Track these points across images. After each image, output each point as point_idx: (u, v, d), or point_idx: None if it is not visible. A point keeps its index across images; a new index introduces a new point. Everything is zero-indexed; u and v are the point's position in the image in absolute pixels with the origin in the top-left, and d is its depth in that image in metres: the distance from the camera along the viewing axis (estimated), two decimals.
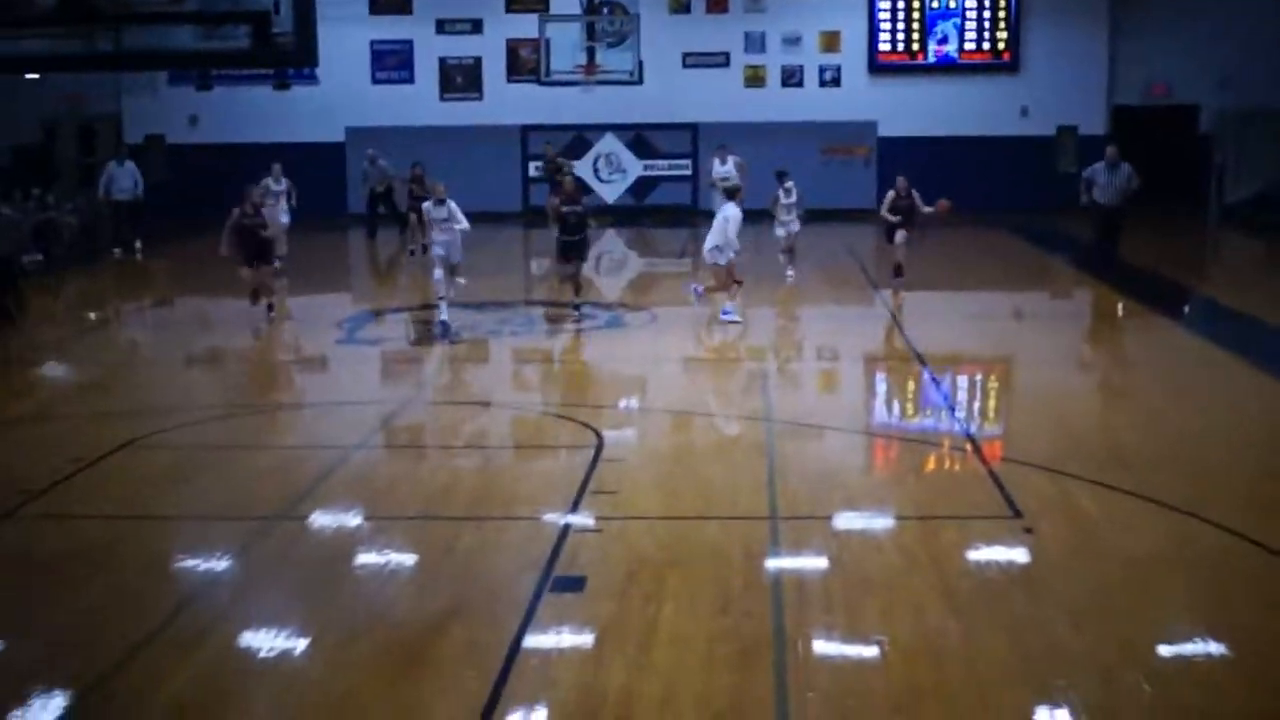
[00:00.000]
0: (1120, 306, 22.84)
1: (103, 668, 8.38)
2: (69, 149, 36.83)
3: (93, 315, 14.95)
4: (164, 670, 8.35)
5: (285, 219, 26.99)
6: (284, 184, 27.77)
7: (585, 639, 8.74)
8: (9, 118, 35.78)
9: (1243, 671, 8.21)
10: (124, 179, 30.01)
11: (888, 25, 35.05)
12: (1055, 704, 7.63)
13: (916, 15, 34.94)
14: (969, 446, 13.47)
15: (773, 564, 10.00)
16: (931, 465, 13.08)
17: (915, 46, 35.12)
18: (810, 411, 15.14)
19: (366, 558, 10.27)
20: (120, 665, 8.44)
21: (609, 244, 32.55)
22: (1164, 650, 8.45)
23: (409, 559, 10.36)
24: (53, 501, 11.84)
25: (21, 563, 10.32)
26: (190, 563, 10.33)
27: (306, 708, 7.91)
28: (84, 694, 8.07)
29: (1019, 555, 10.20)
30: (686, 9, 35.12)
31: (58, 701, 8.01)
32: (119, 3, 7.02)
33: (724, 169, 25.35)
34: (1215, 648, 8.46)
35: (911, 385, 16.86)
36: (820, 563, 10.00)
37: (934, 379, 16.62)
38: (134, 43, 6.88)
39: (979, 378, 17.68)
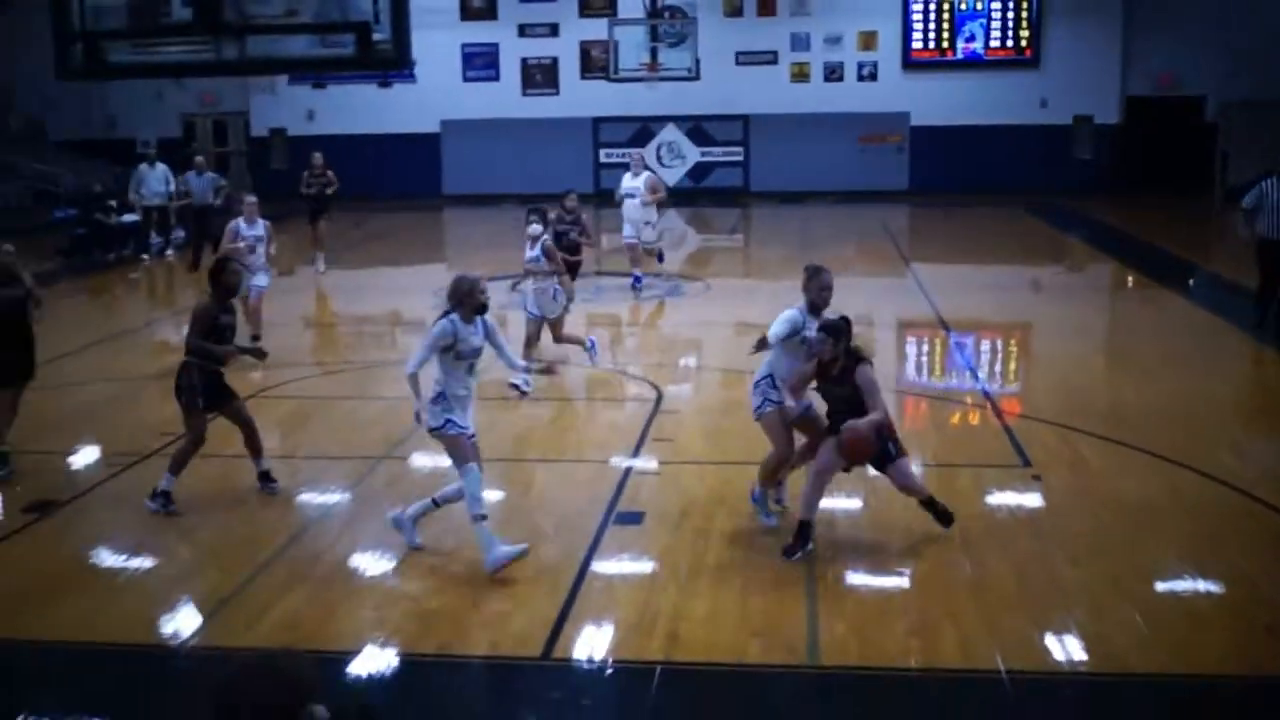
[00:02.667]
0: (1129, 280, 22.73)
1: (232, 586, 8.68)
2: (205, 141, 37.26)
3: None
4: (282, 588, 8.64)
5: (264, 280, 16.36)
6: (260, 227, 16.42)
7: (643, 566, 8.97)
8: (155, 114, 36.38)
9: (1225, 606, 8.32)
10: (155, 182, 26.11)
11: (920, 25, 34.82)
12: (1053, 631, 7.76)
13: (946, 16, 34.70)
14: (986, 403, 13.55)
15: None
16: (952, 419, 13.17)
17: (945, 44, 34.88)
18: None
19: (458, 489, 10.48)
20: (247, 582, 8.73)
21: (670, 222, 32.63)
22: (1154, 586, 8.55)
23: (494, 495, 10.55)
24: None
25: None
26: (305, 497, 10.63)
27: (403, 618, 8.18)
28: (217, 607, 8.38)
29: (1026, 500, 10.30)
30: (739, 12, 35.06)
31: (196, 612, 8.34)
32: (243, 15, 7.18)
33: (633, 183, 20.83)
34: (1201, 585, 8.55)
35: (937, 348, 16.93)
36: (848, 504, 10.16)
37: (957, 343, 16.67)
38: (256, 50, 7.04)
39: (997, 342, 17.72)
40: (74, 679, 7.62)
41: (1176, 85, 34.54)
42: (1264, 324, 15.79)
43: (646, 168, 21.48)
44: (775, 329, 9.41)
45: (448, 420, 8.78)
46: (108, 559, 9.43)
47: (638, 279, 20.64)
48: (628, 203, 20.72)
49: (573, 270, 17.40)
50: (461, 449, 8.79)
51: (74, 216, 27.53)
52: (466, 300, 8.92)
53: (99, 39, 7.20)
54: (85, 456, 12.01)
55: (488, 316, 9.11)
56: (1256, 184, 15.37)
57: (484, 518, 8.71)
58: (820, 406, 9.35)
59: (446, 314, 8.94)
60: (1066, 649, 7.57)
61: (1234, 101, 33.73)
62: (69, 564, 9.30)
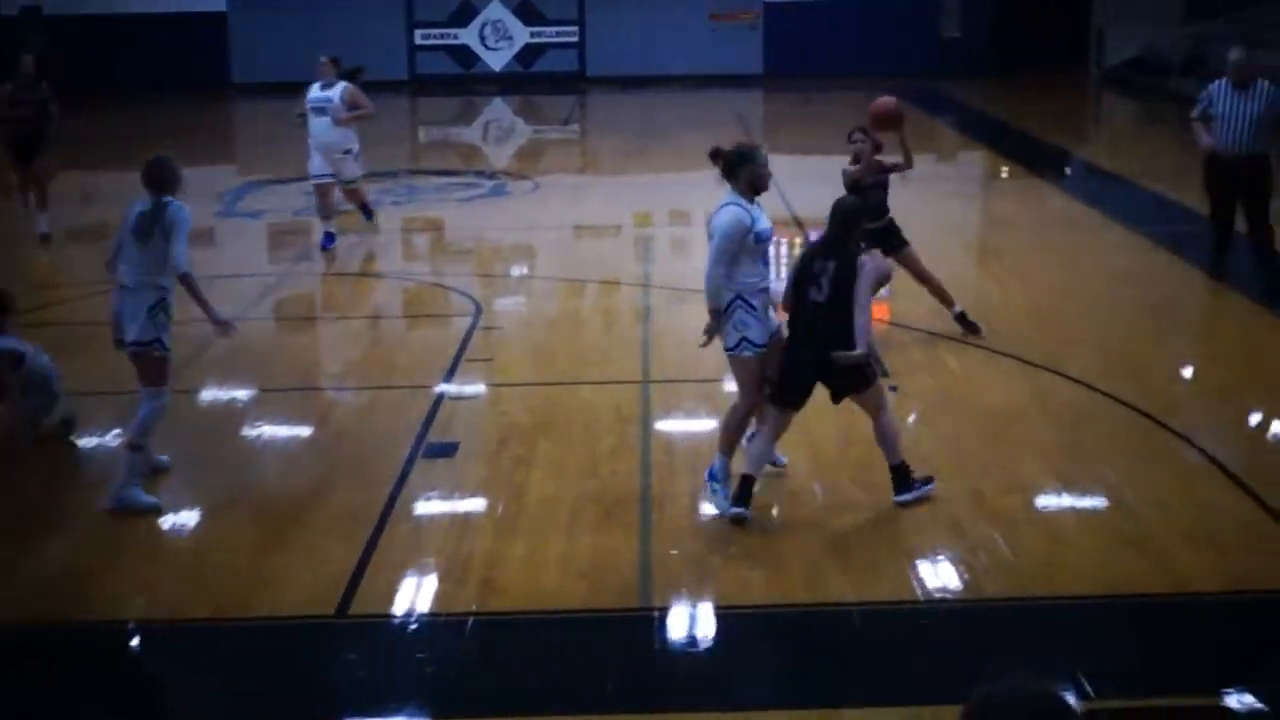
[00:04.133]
0: (1002, 170, 23.02)
1: None
2: None
3: None
4: (33, 548, 8.35)
5: None
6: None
7: (455, 504, 8.85)
8: None
9: (1089, 521, 8.47)
10: None
11: None
12: (910, 557, 7.83)
13: None
14: None
15: (641, 427, 10.11)
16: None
17: None
18: (690, 277, 15.06)
19: (244, 429, 10.27)
20: None
21: (495, 111, 32.30)
22: (1015, 501, 8.65)
23: (286, 430, 10.37)
24: None
25: None
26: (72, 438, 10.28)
27: (177, 574, 7.95)
28: None
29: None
30: None
31: None
32: None
33: (322, 95, 16.37)
34: (1065, 499, 8.70)
35: (793, 251, 16.93)
36: (688, 425, 10.15)
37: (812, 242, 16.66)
38: None
39: None
40: None
41: None
42: (1222, 272, 13.94)
43: (344, 76, 16.58)
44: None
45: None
46: None
47: (329, 237, 16.60)
48: (316, 122, 16.37)
49: (26, 143, 16.74)
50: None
51: None
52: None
53: None
54: None
55: None
56: (1204, 89, 14.79)
57: None
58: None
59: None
60: (923, 576, 7.62)
61: None
62: None
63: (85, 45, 34.07)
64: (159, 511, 8.57)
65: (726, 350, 8.46)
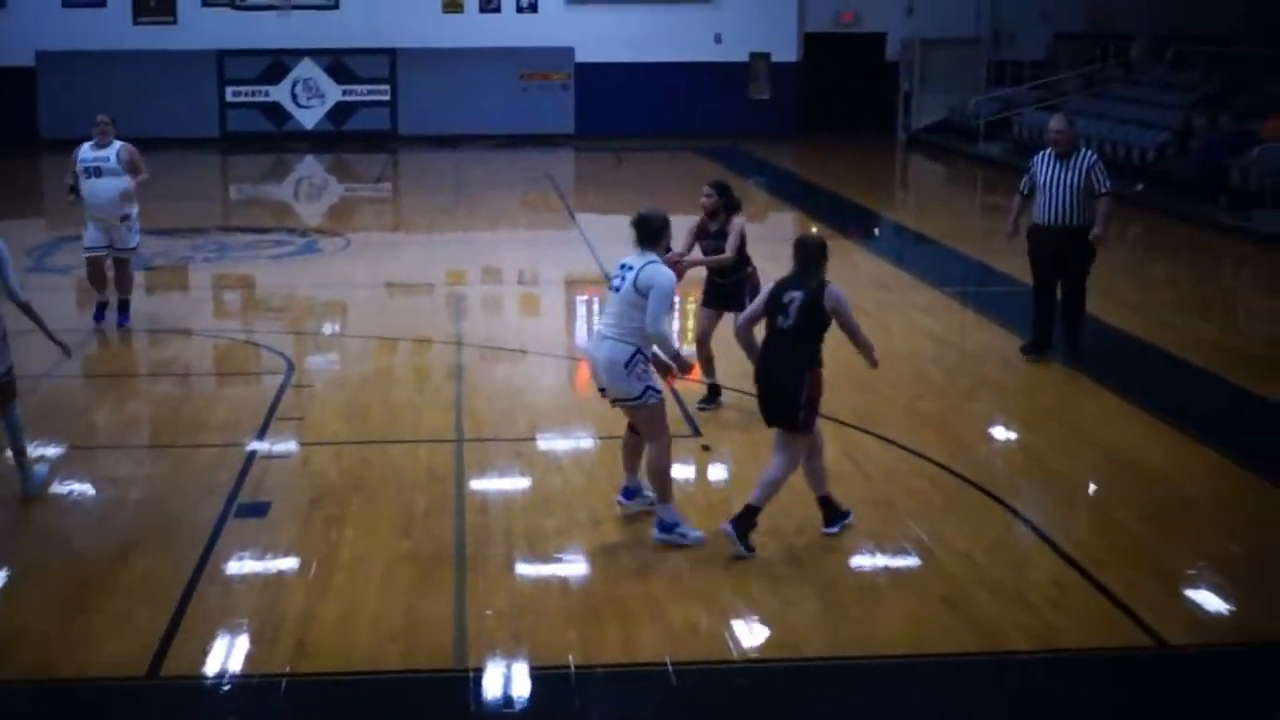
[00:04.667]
0: (811, 230, 23.37)
1: None
2: None
3: None
4: None
5: None
6: None
7: (267, 565, 8.68)
8: None
9: (902, 578, 8.56)
10: None
11: None
12: (726, 616, 7.84)
13: None
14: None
15: (455, 486, 10.04)
16: None
17: None
18: (503, 335, 15.15)
19: (51, 488, 9.93)
20: None
21: (308, 169, 32.02)
22: (830, 560, 8.74)
23: (92, 489, 10.11)
24: None
25: None
26: None
27: None
28: None
29: (693, 472, 10.46)
30: None
31: None
32: None
33: (99, 155, 14.62)
34: (879, 558, 8.79)
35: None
36: (502, 484, 10.10)
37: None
38: None
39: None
40: None
41: (857, 22, 35.80)
42: (1044, 342, 13.63)
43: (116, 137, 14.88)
44: (668, 295, 8.84)
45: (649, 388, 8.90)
46: None
47: (125, 314, 15.02)
48: (94, 185, 14.57)
49: None
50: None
51: None
52: (665, 237, 9.18)
53: None
54: None
55: None
56: (1030, 161, 14.45)
57: None
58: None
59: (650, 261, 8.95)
60: (740, 636, 7.65)
61: (914, 39, 35.25)
62: None
63: None
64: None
65: (633, 400, 8.82)
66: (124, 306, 14.96)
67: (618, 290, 8.90)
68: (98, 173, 14.58)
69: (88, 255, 14.91)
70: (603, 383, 8.96)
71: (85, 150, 14.73)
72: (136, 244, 15.21)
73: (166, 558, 8.70)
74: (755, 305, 9.24)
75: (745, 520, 8.69)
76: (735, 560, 8.58)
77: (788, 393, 8.66)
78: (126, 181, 14.65)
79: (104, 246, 14.75)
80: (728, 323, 10.89)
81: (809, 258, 8.90)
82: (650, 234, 9.02)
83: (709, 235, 11.89)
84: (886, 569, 8.69)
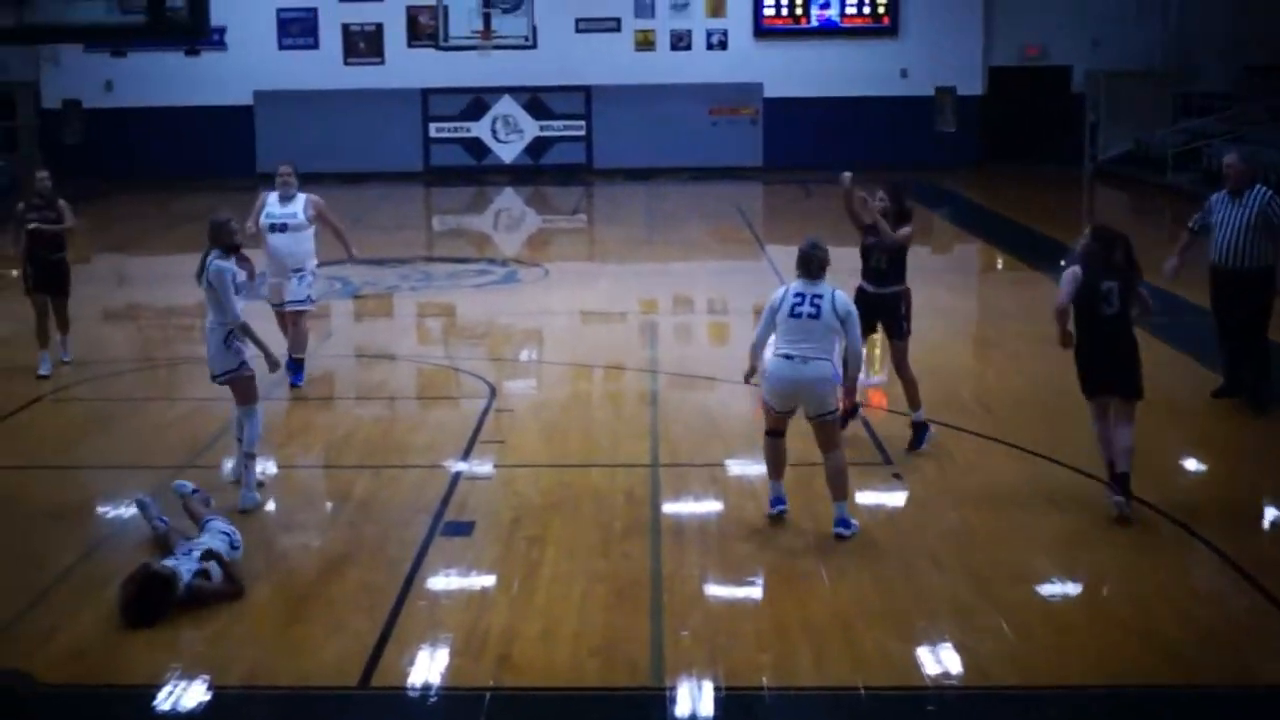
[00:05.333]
0: (997, 261, 23.06)
1: (11, 611, 8.33)
2: None
3: (13, 272, 14.59)
4: (68, 613, 8.31)
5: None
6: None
7: (471, 581, 8.80)
8: None
9: (1094, 609, 8.40)
10: None
11: None
12: (916, 642, 7.75)
13: None
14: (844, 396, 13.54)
15: (651, 509, 10.07)
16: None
17: (799, 11, 35.11)
18: (696, 363, 15.19)
19: (269, 504, 10.22)
20: (29, 607, 8.39)
21: (507, 201, 32.44)
22: (1020, 589, 8.58)
23: (309, 505, 10.36)
24: None
25: None
26: (98, 511, 10.27)
27: (205, 645, 7.91)
28: None
29: (887, 500, 10.34)
30: None
31: None
32: None
33: (285, 210, 13.66)
34: (1069, 587, 8.65)
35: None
36: (697, 507, 10.10)
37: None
38: (39, 16, 6.89)
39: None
40: None
41: (1042, 55, 35.25)
42: (1232, 391, 12.79)
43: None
44: (857, 330, 9.62)
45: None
46: None
47: (297, 374, 13.78)
48: (277, 240, 13.63)
49: (51, 276, 14.20)
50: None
51: None
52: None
53: None
54: None
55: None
56: (1204, 202, 13.17)
57: None
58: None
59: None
60: (929, 661, 7.55)
61: (1100, 71, 34.56)
62: None
63: (121, 135, 34.52)
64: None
65: (828, 414, 9.42)
66: (298, 366, 13.69)
67: (814, 317, 9.32)
68: (284, 228, 13.60)
69: (277, 310, 13.93)
70: (805, 401, 9.41)
71: (272, 203, 13.73)
72: (310, 299, 13.88)
73: (377, 572, 8.87)
74: (1066, 293, 10.01)
75: (1125, 485, 9.60)
76: (924, 584, 8.51)
77: (1133, 365, 9.76)
78: (311, 236, 13.81)
79: (280, 301, 13.83)
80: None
81: (1116, 246, 9.93)
82: (822, 267, 9.55)
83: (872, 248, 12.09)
84: (1077, 597, 8.53)
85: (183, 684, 7.41)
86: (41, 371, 14.07)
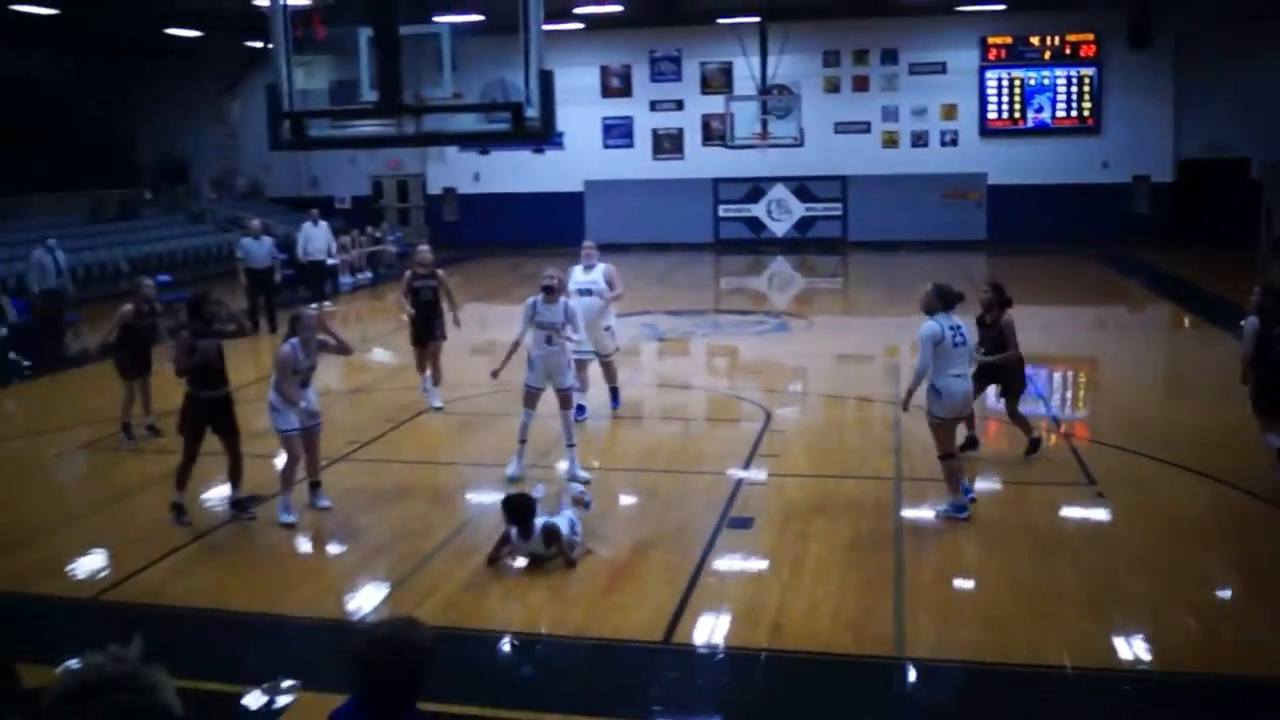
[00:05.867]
0: (1185, 320, 22.01)
1: (403, 571, 8.69)
2: (390, 198, 37.92)
3: (404, 316, 15.19)
4: (444, 574, 8.62)
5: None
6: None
7: (751, 565, 8.80)
8: (349, 176, 37.09)
9: (1271, 609, 7.93)
10: (318, 239, 23.58)
11: (995, 99, 34.09)
12: (1115, 633, 7.46)
13: (1018, 91, 33.96)
14: (1056, 428, 13.14)
15: (895, 514, 9.93)
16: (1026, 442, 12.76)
17: (1017, 115, 34.13)
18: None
19: (600, 497, 10.28)
20: (415, 569, 8.73)
21: (778, 266, 32.40)
22: (1205, 594, 8.21)
23: (624, 499, 10.52)
24: (374, 449, 12.27)
25: (351, 492, 10.71)
26: (467, 497, 10.63)
27: (544, 603, 8.10)
28: (391, 589, 8.39)
29: (1091, 515, 9.97)
30: (837, 89, 34.65)
31: (374, 592, 8.35)
32: (419, 98, 7.34)
33: (586, 278, 13.48)
34: (1248, 592, 8.20)
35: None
36: (932, 514, 9.89)
37: (1029, 374, 16.16)
38: (430, 126, 7.29)
39: (1066, 374, 17.20)
40: (268, 646, 7.68)
41: (1224, 148, 33.54)
42: None
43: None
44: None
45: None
46: (302, 546, 9.53)
47: (582, 409, 13.09)
48: (582, 302, 12.87)
49: (428, 328, 14.09)
50: None
51: (284, 260, 27.67)
52: None
53: (303, 118, 7.38)
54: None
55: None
56: None
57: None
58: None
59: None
60: (1126, 649, 7.25)
61: (1275, 162, 32.69)
62: (269, 549, 9.40)
63: (485, 214, 35.87)
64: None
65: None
66: (614, 394, 13.74)
67: (964, 344, 9.70)
68: (588, 293, 13.25)
69: (575, 358, 12.36)
70: (968, 411, 10.19)
71: (577, 274, 13.42)
72: (616, 349, 13.77)
73: (677, 554, 8.95)
74: (1248, 340, 10.30)
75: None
76: (1122, 586, 8.18)
77: None
78: (608, 297, 13.37)
79: (589, 352, 13.24)
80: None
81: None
82: (956, 300, 9.80)
83: (983, 326, 11.72)
84: (1254, 600, 8.05)
85: (526, 632, 7.63)
86: (431, 401, 14.17)
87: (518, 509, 8.70)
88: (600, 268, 13.49)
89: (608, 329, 13.42)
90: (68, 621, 7.97)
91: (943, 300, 9.64)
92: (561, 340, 10.92)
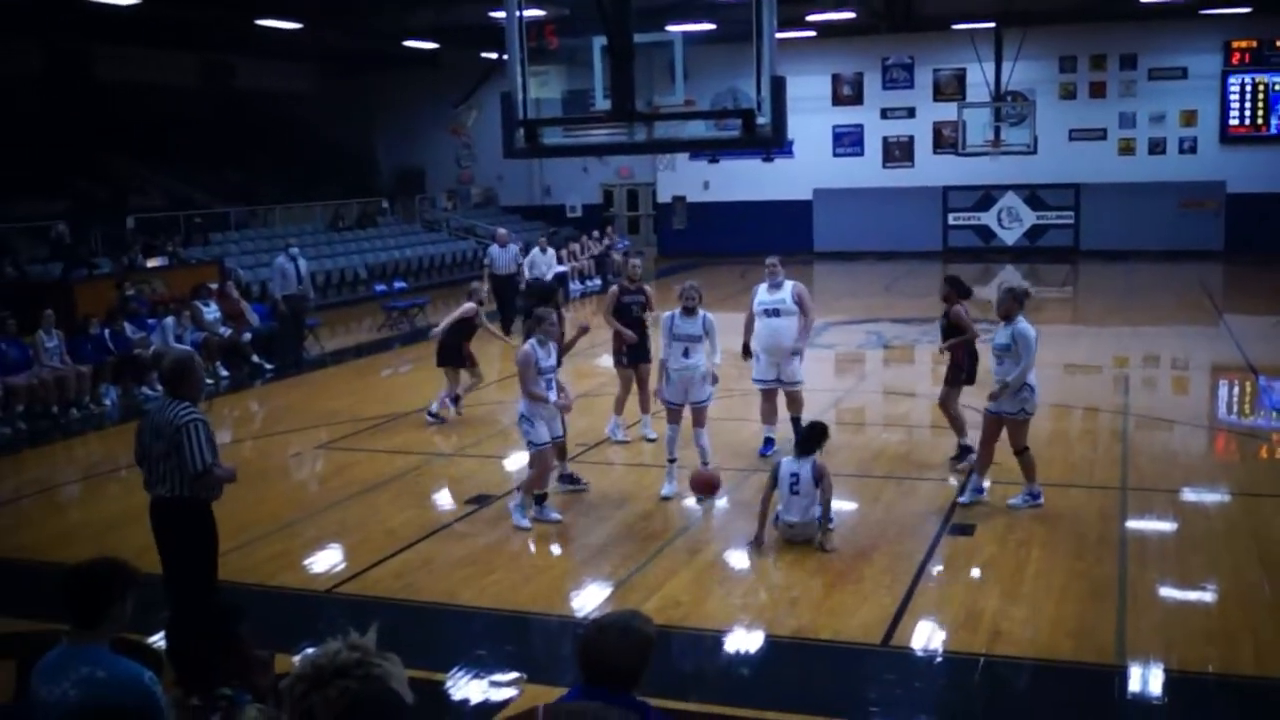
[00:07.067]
0: None
1: (628, 570, 8.93)
2: (620, 207, 38.63)
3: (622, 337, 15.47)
4: (668, 574, 8.82)
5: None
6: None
7: (972, 572, 8.73)
8: (581, 185, 37.95)
9: None
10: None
11: (1237, 104, 32.43)
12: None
13: (1261, 96, 32.23)
14: None
15: (1120, 524, 9.66)
16: (1258, 453, 12.23)
17: (1260, 120, 32.43)
18: (1160, 408, 14.40)
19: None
20: (640, 568, 8.96)
21: (1008, 275, 31.57)
22: None
23: (846, 504, 10.47)
24: (596, 453, 12.56)
25: (574, 494, 11.02)
26: (689, 500, 10.73)
27: (766, 604, 8.22)
28: (616, 587, 8.64)
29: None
30: (1073, 95, 33.55)
31: (599, 590, 8.62)
32: (651, 105, 7.53)
33: (773, 297, 12.03)
34: None
35: (1246, 390, 15.77)
36: (1159, 525, 9.61)
37: (1264, 385, 15.46)
38: (661, 133, 7.45)
39: None
40: (497, 640, 7.85)
41: None
42: None
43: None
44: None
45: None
46: (530, 544, 9.76)
47: (770, 444, 12.19)
48: (768, 324, 11.94)
49: (641, 349, 12.89)
50: None
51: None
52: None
53: (537, 126, 7.57)
54: (514, 461, 12.24)
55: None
56: None
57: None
58: None
59: None
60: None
61: None
62: (496, 546, 9.64)
63: (713, 222, 36.19)
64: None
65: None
66: (796, 426, 11.51)
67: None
68: (775, 313, 11.92)
69: (760, 387, 12.31)
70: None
71: (763, 292, 12.08)
72: (802, 378, 12.27)
73: (899, 558, 8.94)
74: None
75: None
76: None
77: None
78: (798, 321, 11.97)
79: (773, 380, 12.13)
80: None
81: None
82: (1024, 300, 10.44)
83: (945, 318, 12.10)
84: None
85: (746, 632, 7.74)
86: (643, 432, 13.19)
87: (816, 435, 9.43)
88: (788, 286, 12.03)
89: (796, 354, 12.02)
90: (304, 612, 8.34)
91: (1020, 303, 10.32)
92: (697, 353, 10.72)
